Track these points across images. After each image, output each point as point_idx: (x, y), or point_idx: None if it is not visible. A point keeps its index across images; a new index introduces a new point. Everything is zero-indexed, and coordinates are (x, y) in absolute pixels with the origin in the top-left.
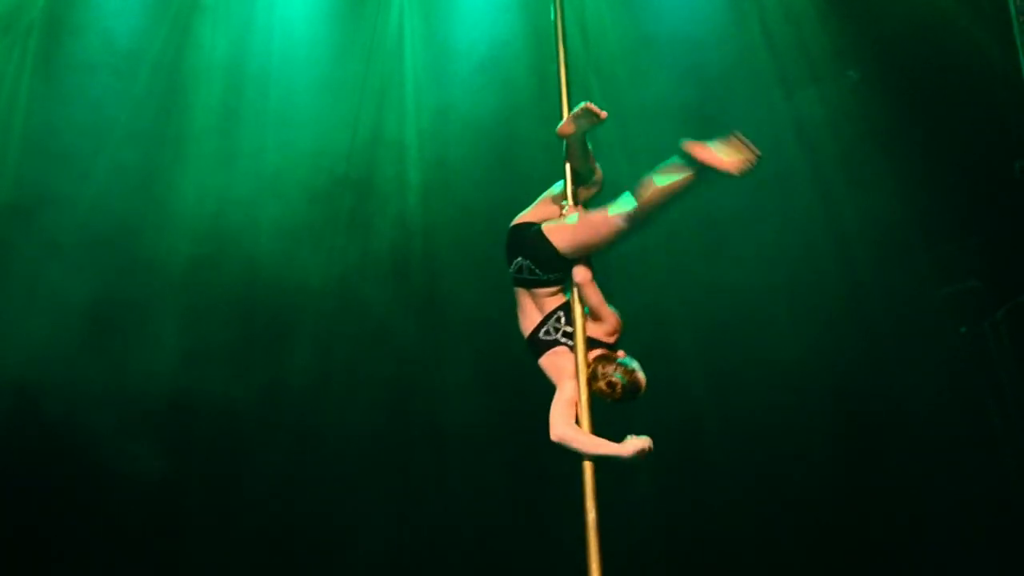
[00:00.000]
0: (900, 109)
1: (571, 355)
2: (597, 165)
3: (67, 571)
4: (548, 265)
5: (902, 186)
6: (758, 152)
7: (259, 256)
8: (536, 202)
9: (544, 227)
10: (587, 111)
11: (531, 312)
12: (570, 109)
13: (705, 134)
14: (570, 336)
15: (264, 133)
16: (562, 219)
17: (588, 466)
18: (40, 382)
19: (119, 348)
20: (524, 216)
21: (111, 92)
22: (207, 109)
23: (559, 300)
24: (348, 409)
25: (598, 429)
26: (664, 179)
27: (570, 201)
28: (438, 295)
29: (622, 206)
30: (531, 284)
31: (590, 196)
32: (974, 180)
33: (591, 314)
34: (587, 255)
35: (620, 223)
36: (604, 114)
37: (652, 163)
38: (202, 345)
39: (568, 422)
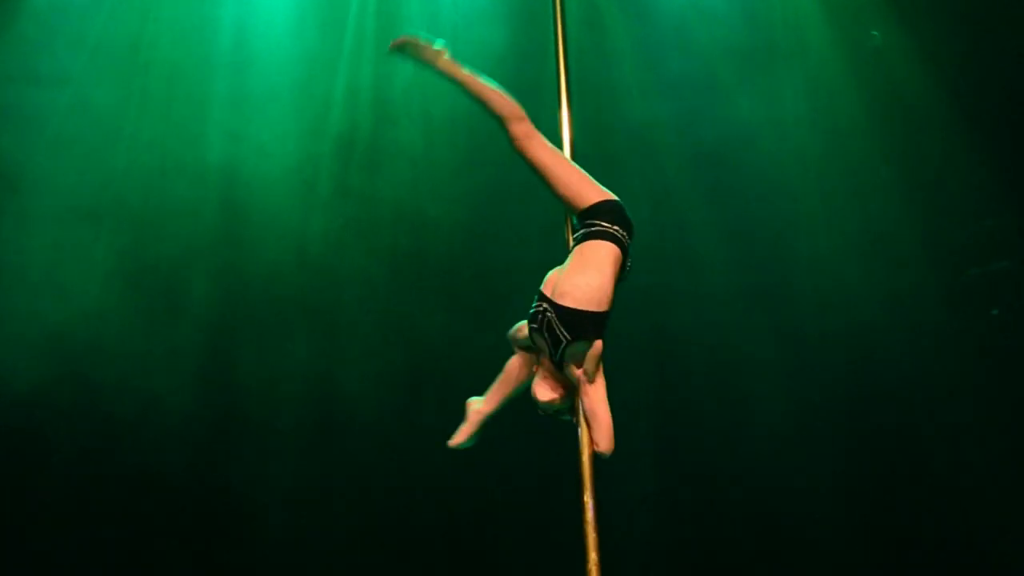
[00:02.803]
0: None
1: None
2: None
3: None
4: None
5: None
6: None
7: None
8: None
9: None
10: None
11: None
12: (567, 58)
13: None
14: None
15: (257, 97)
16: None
17: (586, 457)
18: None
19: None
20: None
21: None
22: (198, 76)
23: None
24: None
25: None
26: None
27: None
28: (431, 256)
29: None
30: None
31: None
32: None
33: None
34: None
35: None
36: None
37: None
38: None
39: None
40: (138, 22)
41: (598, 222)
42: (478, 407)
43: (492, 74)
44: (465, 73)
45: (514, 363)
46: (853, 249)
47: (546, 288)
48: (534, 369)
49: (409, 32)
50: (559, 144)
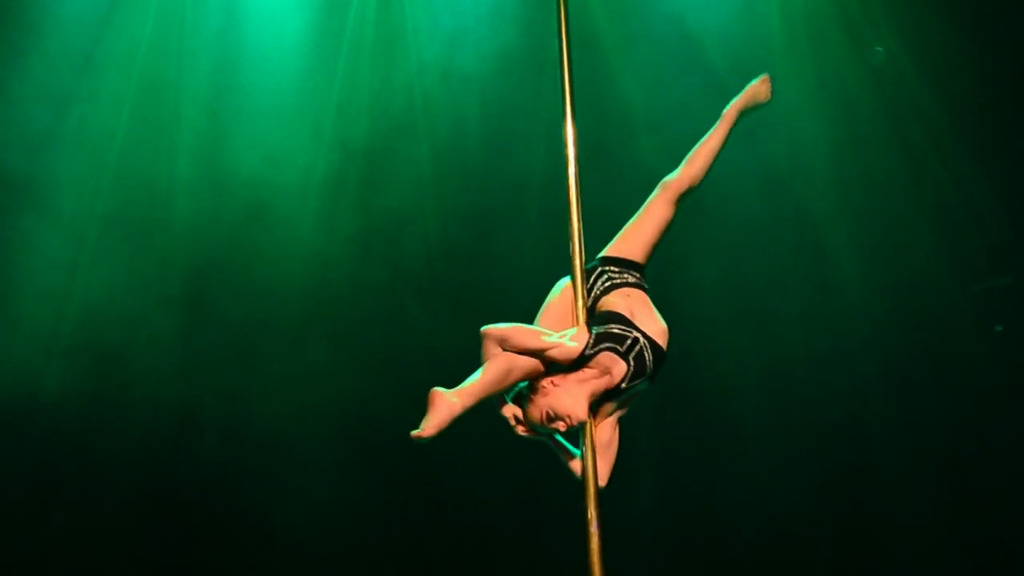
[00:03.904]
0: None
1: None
2: None
3: None
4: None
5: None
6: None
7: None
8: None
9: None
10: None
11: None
12: (570, 58)
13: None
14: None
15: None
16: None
17: (590, 471)
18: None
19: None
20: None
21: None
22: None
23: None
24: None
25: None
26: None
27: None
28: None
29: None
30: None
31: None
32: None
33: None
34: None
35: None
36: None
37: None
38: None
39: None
40: (142, 38)
41: (642, 278)
42: (453, 400)
43: (495, 87)
44: (730, 124)
45: (511, 363)
46: (853, 267)
47: (632, 317)
48: (552, 382)
49: None
50: (565, 160)
